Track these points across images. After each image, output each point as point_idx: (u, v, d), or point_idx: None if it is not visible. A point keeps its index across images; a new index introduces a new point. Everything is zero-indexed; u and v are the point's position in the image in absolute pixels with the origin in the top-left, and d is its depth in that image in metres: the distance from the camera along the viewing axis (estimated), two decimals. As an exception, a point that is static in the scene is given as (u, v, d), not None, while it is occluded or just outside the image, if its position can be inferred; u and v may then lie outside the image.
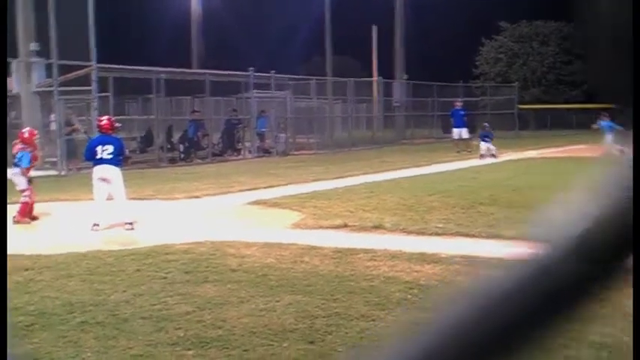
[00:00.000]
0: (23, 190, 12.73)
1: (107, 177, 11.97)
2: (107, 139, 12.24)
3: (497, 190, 15.49)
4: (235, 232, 10.98)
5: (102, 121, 12.87)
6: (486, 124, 28.62)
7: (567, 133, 30.30)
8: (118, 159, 12.23)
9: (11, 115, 24.80)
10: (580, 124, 37.71)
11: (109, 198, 12.03)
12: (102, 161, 12.00)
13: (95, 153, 12.04)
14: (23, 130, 13.92)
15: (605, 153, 23.69)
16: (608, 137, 24.55)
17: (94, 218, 11.83)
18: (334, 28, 40.11)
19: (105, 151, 11.99)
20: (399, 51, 44.20)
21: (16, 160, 12.96)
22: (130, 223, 11.80)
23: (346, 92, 36.33)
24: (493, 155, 25.83)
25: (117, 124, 13.32)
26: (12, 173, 12.98)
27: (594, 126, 26.05)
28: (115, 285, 7.85)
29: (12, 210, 12.75)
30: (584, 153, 24.55)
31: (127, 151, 15.23)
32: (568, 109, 49.93)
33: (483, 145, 26.20)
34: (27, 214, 12.68)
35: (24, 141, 13.21)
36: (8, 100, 25.10)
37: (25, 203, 12.69)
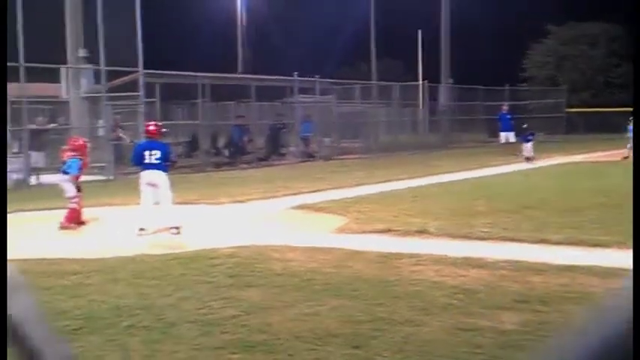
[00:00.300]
0: (71, 197, 12.91)
1: (154, 182, 12.09)
2: (154, 145, 12.37)
3: (544, 194, 15.30)
4: (280, 237, 11.01)
5: (149, 126, 13.01)
6: (525, 125, 28.27)
7: (616, 137, 29.73)
8: (165, 164, 12.36)
9: (60, 120, 25.26)
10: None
11: (156, 202, 12.14)
12: (149, 166, 12.13)
13: (143, 158, 12.17)
14: (75, 137, 14.15)
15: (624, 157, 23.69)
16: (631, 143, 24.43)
17: (141, 223, 11.96)
18: (379, 32, 40.06)
19: (152, 156, 12.11)
20: (445, 54, 43.92)
21: (65, 167, 13.15)
22: (177, 228, 11.90)
23: (391, 96, 36.24)
24: (528, 158, 25.36)
25: (164, 130, 13.47)
26: (60, 179, 13.18)
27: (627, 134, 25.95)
28: (161, 289, 7.92)
29: (59, 215, 12.97)
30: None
31: (173, 157, 15.40)
32: (617, 112, 49.09)
33: (528, 146, 25.84)
34: (74, 220, 12.85)
35: (75, 148, 13.40)
36: (58, 106, 25.60)
37: (72, 210, 12.87)
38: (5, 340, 0.91)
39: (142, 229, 11.88)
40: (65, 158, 13.31)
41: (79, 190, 13.08)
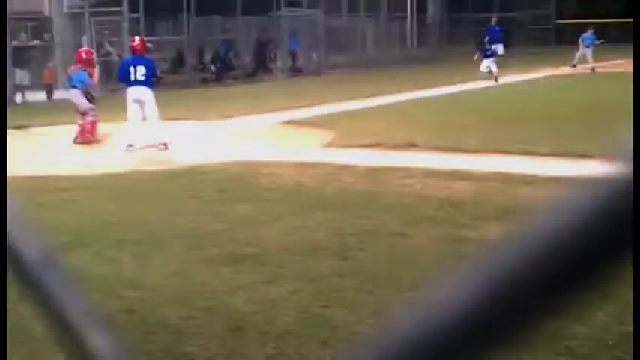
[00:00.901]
0: (87, 111, 12.73)
1: (141, 98, 12.01)
2: (140, 60, 12.23)
3: (532, 107, 15.29)
4: (268, 152, 11.02)
5: (134, 42, 12.83)
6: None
7: (607, 48, 29.47)
8: (151, 80, 12.25)
9: (44, 37, 24.85)
10: (621, 39, 36.76)
11: (143, 119, 12.09)
12: (135, 82, 12.03)
13: (129, 74, 12.05)
14: (80, 50, 13.93)
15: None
16: (587, 52, 24.51)
17: (129, 139, 11.93)
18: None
19: (138, 72, 11.99)
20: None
21: (73, 81, 12.95)
22: (164, 144, 11.89)
23: (379, 9, 35.71)
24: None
25: (149, 45, 13.28)
26: (72, 95, 12.94)
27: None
28: (151, 205, 7.96)
29: (46, 132, 12.91)
30: (621, 68, 24.02)
31: (159, 72, 15.24)
32: (607, 23, 48.64)
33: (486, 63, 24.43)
34: (89, 133, 12.72)
35: (82, 61, 13.15)
36: (41, 22, 25.15)
37: (90, 123, 12.72)
38: (5, 340, 0.91)
39: (130, 146, 11.86)
40: (70, 72, 13.13)
41: (93, 101, 12.90)
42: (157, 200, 8.16)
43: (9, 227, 0.67)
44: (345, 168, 9.60)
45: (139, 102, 12.03)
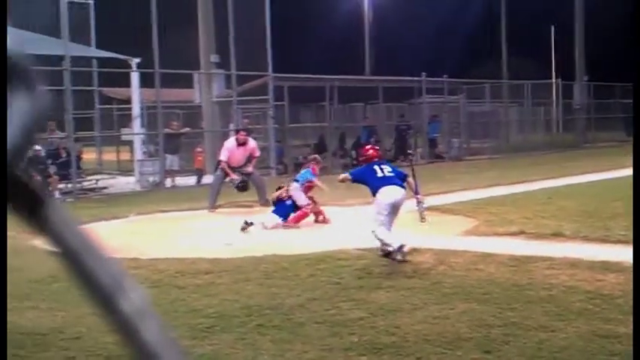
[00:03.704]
0: (302, 206, 13.32)
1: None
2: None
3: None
4: (408, 239, 10.88)
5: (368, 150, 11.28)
6: None
7: None
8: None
9: (197, 124, 26.07)
10: None
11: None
12: None
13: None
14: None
15: None
16: None
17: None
18: (510, 29, 39.01)
19: None
20: (579, 51, 42.34)
21: (297, 177, 13.91)
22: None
23: (523, 95, 35.31)
24: None
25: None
26: (291, 188, 13.66)
27: None
28: (290, 289, 7.99)
29: (192, 216, 13.28)
30: None
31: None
32: None
33: None
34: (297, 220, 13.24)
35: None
36: (192, 110, 26.43)
37: (302, 213, 13.29)
38: (5, 340, 0.90)
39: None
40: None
41: (311, 199, 13.45)
42: (296, 285, 8.19)
43: None
44: (487, 256, 9.34)
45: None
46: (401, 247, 9.12)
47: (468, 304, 7.15)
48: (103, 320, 0.68)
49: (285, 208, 13.16)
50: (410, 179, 10.02)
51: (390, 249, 9.19)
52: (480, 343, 5.96)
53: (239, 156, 15.29)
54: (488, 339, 6.05)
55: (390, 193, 9.45)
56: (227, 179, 15.24)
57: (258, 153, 15.99)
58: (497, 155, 30.90)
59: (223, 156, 15.27)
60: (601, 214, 12.52)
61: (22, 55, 0.58)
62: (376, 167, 9.82)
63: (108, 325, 0.68)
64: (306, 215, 13.20)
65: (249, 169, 15.29)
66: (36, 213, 0.62)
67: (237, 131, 16.37)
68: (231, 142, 15.71)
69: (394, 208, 9.49)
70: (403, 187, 9.72)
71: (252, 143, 15.70)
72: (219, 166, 15.55)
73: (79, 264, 0.65)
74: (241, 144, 15.29)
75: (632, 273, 7.52)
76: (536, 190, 16.78)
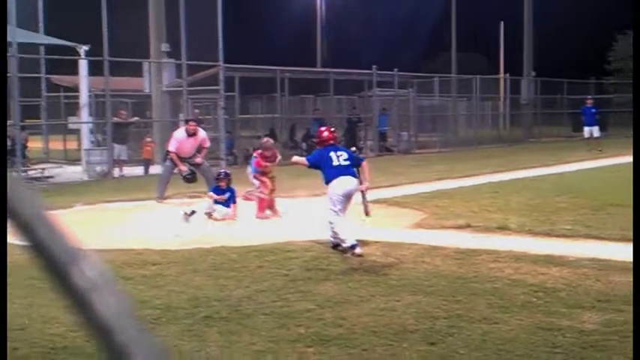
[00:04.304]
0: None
1: None
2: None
3: (629, 191, 14.80)
4: (356, 231, 10.95)
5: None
6: None
7: None
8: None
9: (146, 114, 25.81)
10: None
11: None
12: None
13: None
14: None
15: None
16: None
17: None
18: (459, 24, 39.41)
19: None
20: (528, 47, 42.93)
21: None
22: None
23: (471, 90, 35.73)
24: None
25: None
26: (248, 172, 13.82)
27: None
28: (239, 281, 8.00)
29: (140, 206, 13.19)
30: None
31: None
32: None
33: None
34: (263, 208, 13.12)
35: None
36: (141, 99, 26.15)
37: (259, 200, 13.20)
38: (5, 340, 0.91)
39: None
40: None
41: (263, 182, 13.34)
42: (244, 276, 8.19)
43: None
44: (433, 249, 9.47)
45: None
46: (353, 246, 9.19)
47: (414, 296, 7.24)
48: (57, 294, 0.69)
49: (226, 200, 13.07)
50: (364, 163, 10.09)
51: (343, 245, 9.26)
52: (425, 334, 6.05)
53: (189, 147, 15.14)
54: (433, 330, 6.14)
55: (342, 185, 9.55)
56: (175, 170, 15.11)
57: (208, 144, 15.86)
58: (445, 149, 31.24)
59: (172, 147, 15.11)
60: (545, 209, 12.76)
61: None
62: (332, 154, 9.80)
63: (61, 298, 0.69)
64: (263, 201, 13.05)
65: (199, 159, 15.17)
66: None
67: (187, 121, 16.17)
68: (180, 132, 15.54)
69: (347, 197, 9.66)
70: (356, 176, 9.78)
71: (202, 134, 15.56)
72: (169, 157, 15.39)
73: (33, 234, 0.66)
74: (191, 135, 15.14)
75: (632, 273, 7.63)
76: (484, 184, 17.02)
